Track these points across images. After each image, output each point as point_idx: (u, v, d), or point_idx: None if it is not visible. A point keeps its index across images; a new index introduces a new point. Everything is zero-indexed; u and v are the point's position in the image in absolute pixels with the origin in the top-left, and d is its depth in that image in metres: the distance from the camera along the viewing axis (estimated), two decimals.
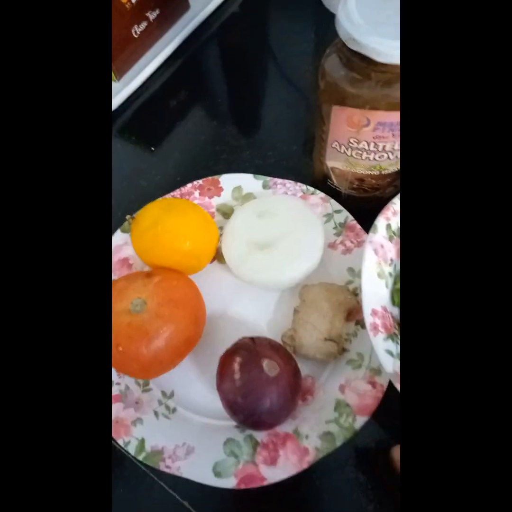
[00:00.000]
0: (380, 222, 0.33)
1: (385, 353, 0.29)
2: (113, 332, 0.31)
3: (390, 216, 0.34)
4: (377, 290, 0.32)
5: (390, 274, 0.34)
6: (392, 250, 0.34)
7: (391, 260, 0.34)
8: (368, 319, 0.30)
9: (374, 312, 0.31)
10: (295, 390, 0.32)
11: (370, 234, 0.33)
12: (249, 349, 0.32)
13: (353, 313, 0.37)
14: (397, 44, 0.27)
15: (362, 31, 0.27)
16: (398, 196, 0.35)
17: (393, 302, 0.33)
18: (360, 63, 0.29)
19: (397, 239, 0.34)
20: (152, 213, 0.37)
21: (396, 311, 0.33)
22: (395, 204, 0.34)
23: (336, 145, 0.36)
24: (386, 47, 0.27)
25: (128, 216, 0.37)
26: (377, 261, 0.32)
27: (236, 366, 0.31)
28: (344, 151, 0.36)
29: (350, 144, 0.35)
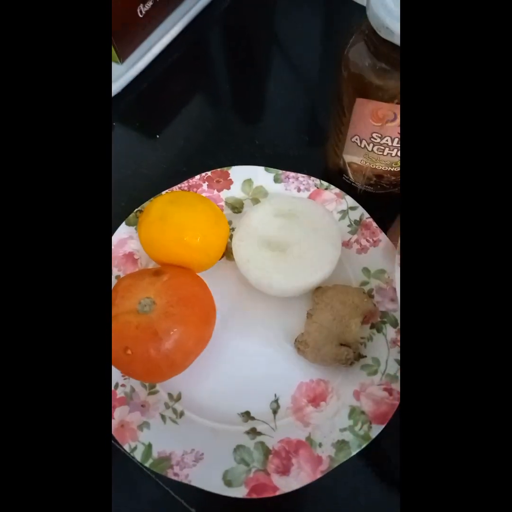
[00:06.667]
0: None
1: None
2: (120, 334, 0.30)
3: None
4: None
5: None
6: None
7: None
8: None
9: None
10: None
11: (397, 256, 0.31)
12: None
13: (369, 317, 0.36)
14: None
15: (397, 18, 0.25)
16: None
17: None
18: (391, 54, 0.27)
19: None
20: (160, 206, 0.35)
21: None
22: None
23: (356, 139, 0.34)
24: None
25: (136, 210, 0.35)
26: None
27: None
28: (365, 146, 0.34)
29: (372, 139, 0.33)
